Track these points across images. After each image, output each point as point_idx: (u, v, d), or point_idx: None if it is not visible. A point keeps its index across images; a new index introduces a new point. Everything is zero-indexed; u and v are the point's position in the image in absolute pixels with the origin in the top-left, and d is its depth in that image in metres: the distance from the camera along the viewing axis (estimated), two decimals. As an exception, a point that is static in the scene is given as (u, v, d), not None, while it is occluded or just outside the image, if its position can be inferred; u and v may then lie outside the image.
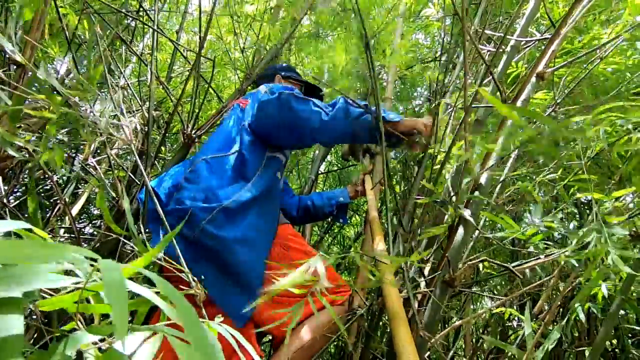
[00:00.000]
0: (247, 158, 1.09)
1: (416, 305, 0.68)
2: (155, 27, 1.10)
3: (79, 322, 0.25)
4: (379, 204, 1.69)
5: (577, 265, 0.81)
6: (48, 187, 1.86)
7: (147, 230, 1.05)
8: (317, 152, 2.13)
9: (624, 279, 0.68)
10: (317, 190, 2.22)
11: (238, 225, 0.98)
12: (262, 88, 1.20)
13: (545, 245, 0.88)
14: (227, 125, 1.22)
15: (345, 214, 1.58)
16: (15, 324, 0.17)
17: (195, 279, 0.54)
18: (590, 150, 0.94)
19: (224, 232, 0.95)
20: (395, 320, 0.58)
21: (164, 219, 0.71)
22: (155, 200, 0.71)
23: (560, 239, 1.21)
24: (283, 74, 1.53)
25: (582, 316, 0.79)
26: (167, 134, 1.33)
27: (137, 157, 0.65)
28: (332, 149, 2.58)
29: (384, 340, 1.22)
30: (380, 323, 1.14)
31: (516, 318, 1.26)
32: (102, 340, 0.25)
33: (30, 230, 0.24)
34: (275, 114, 1.08)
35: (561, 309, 1.11)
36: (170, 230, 0.91)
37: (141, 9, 1.61)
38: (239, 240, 0.96)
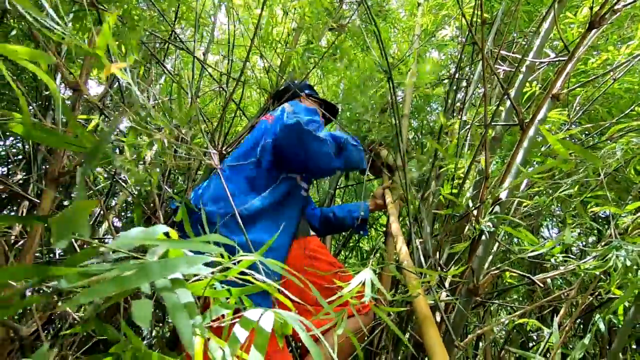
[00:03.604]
0: (265, 172, 1.17)
1: (442, 312, 0.73)
2: (194, 55, 1.20)
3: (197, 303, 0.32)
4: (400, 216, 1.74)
5: (597, 276, 0.84)
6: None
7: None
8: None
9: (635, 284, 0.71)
10: (335, 204, 2.28)
11: (248, 231, 1.05)
12: (287, 107, 1.27)
13: (565, 259, 0.91)
14: (251, 136, 1.30)
15: (365, 226, 1.63)
16: (187, 294, 0.23)
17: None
18: (606, 167, 0.98)
19: (235, 236, 1.01)
20: (425, 322, 0.62)
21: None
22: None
23: (580, 252, 1.23)
24: (306, 92, 1.62)
25: (602, 327, 0.82)
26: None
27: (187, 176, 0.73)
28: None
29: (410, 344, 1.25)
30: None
31: (537, 331, 1.27)
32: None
33: (167, 233, 0.31)
34: (294, 144, 1.14)
35: (583, 320, 1.13)
36: (190, 231, 0.99)
37: (174, 34, 1.73)
38: (248, 245, 1.02)
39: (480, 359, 1.62)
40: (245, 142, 1.31)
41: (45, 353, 0.28)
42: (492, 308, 1.53)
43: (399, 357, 0.99)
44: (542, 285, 0.75)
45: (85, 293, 0.19)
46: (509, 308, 1.24)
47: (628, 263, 0.67)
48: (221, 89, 1.40)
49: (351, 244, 2.72)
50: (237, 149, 1.32)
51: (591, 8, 0.66)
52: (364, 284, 0.55)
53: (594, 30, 0.85)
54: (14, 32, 1.62)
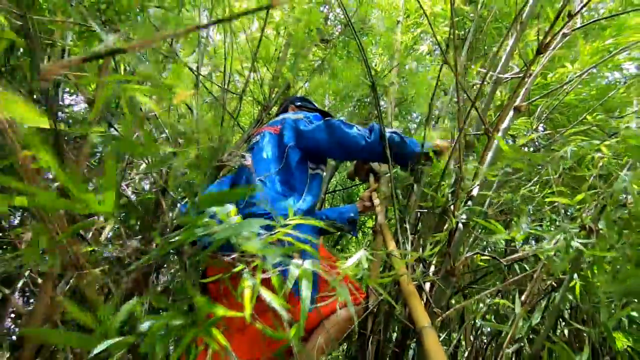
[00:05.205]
0: (296, 174, 1.32)
1: (427, 289, 0.86)
2: (195, 72, 1.32)
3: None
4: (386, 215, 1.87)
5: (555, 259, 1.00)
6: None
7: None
8: (324, 174, 2.34)
9: (571, 256, 0.86)
10: (325, 207, 2.42)
11: (303, 230, 1.18)
12: (292, 115, 1.43)
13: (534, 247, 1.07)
14: (267, 150, 1.40)
15: (355, 227, 1.76)
16: (258, 242, 0.36)
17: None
18: (561, 167, 1.15)
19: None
20: (410, 297, 0.75)
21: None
22: None
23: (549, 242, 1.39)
24: (298, 103, 1.76)
25: (557, 299, 0.97)
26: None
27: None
28: (337, 171, 2.81)
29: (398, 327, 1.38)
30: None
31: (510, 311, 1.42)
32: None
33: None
34: (327, 136, 1.36)
35: (548, 299, 1.28)
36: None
37: (172, 52, 1.84)
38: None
39: (462, 341, 1.76)
40: (264, 156, 1.39)
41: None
42: (475, 294, 1.68)
43: (388, 338, 1.12)
44: (505, 264, 0.89)
45: (218, 231, 0.31)
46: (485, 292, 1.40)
47: (572, 243, 0.82)
48: (218, 102, 1.52)
49: (339, 248, 2.86)
50: (257, 162, 1.38)
51: (538, 37, 0.82)
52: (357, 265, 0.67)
53: (545, 54, 1.02)
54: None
